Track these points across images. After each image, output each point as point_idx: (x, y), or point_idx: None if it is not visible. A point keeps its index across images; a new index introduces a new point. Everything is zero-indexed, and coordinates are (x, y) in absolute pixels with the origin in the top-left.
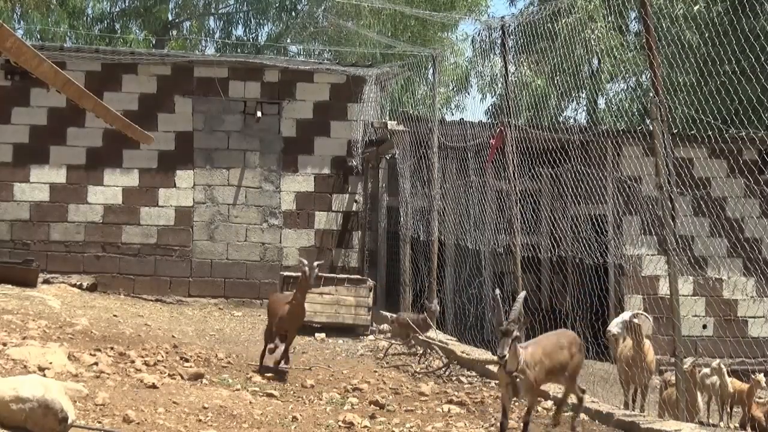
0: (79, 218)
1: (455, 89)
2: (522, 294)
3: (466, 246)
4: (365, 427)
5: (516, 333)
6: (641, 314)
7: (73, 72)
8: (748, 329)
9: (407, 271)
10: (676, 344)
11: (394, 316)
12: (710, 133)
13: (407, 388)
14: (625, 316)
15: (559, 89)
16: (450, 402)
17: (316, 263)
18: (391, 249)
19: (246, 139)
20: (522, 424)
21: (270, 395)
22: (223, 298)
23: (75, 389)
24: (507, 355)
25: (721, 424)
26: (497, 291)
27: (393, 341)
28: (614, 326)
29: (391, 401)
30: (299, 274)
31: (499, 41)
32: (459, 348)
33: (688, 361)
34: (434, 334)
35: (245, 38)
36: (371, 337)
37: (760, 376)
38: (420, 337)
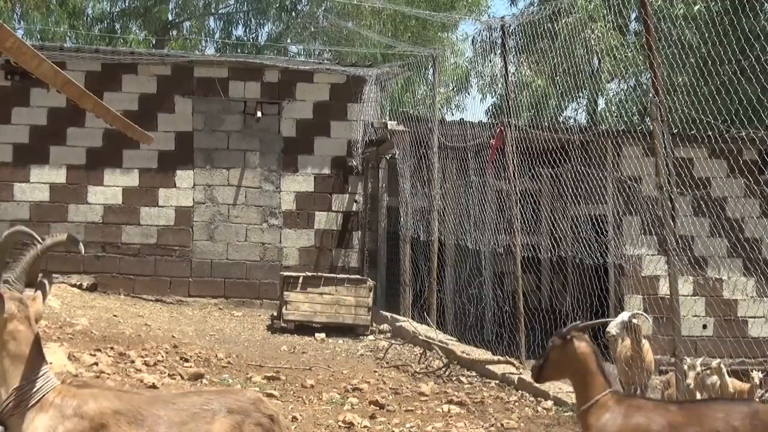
0: (79, 218)
1: (455, 89)
2: None
3: (466, 246)
4: (365, 427)
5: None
6: (640, 314)
7: (73, 72)
8: (748, 329)
9: (407, 271)
10: (676, 344)
11: None
12: (710, 133)
13: (407, 388)
14: (624, 316)
15: (559, 89)
16: (450, 402)
17: None
18: (391, 249)
19: (246, 139)
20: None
21: (270, 395)
22: (223, 298)
23: None
24: None
25: None
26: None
27: (393, 341)
28: (613, 327)
29: (391, 401)
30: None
31: (499, 41)
32: (459, 348)
33: (697, 364)
34: None
35: (245, 38)
36: (371, 337)
37: (755, 374)
38: (420, 336)
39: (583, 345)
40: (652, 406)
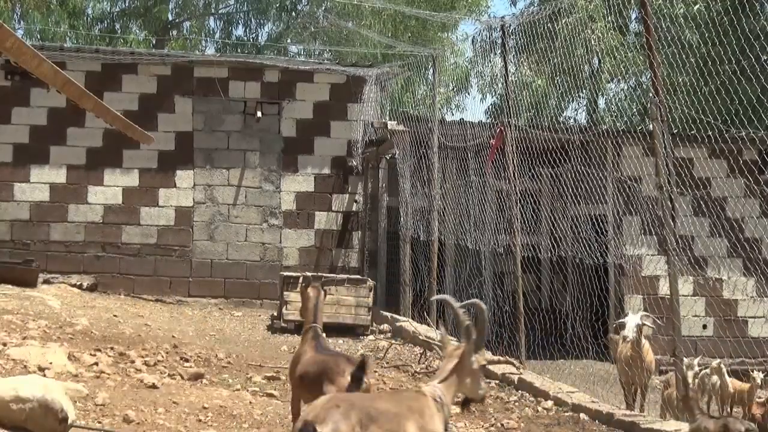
0: (79, 218)
1: (455, 89)
2: None
3: (466, 246)
4: None
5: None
6: (649, 316)
7: (73, 72)
8: (748, 329)
9: (407, 271)
10: (676, 344)
11: None
12: (710, 133)
13: (407, 387)
14: (636, 319)
15: (559, 89)
16: None
17: None
18: (391, 249)
19: (246, 139)
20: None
21: (270, 395)
22: (223, 298)
23: (75, 389)
24: None
25: None
26: None
27: (393, 341)
28: (630, 331)
29: None
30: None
31: (499, 41)
32: None
33: (695, 363)
34: None
35: (245, 38)
36: (371, 337)
37: (755, 374)
38: (420, 336)
39: (309, 290)
40: (314, 345)
